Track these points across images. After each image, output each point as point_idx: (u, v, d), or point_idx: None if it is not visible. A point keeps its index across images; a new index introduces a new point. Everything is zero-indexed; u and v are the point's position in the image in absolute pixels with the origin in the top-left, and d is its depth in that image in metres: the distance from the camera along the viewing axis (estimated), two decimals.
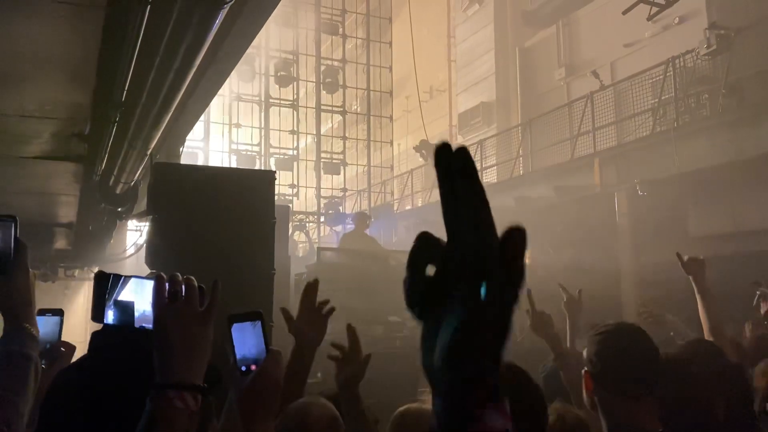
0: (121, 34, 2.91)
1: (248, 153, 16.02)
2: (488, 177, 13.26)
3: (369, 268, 7.51)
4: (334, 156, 16.45)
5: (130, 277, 1.13)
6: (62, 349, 2.11)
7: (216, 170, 5.83)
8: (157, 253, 3.63)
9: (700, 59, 8.93)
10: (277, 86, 16.00)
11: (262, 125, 16.16)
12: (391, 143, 17.07)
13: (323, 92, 16.42)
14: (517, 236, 0.49)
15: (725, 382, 1.98)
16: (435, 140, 15.91)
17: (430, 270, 0.52)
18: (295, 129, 16.28)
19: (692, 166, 7.95)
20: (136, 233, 11.18)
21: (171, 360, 1.00)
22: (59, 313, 2.11)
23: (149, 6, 2.57)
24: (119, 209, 6.11)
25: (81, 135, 4.75)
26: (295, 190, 15.94)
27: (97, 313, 1.11)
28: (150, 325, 1.05)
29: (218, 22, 2.63)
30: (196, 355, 1.03)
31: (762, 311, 3.47)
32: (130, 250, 11.05)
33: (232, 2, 2.50)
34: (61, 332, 2.10)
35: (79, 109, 4.26)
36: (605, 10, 13.17)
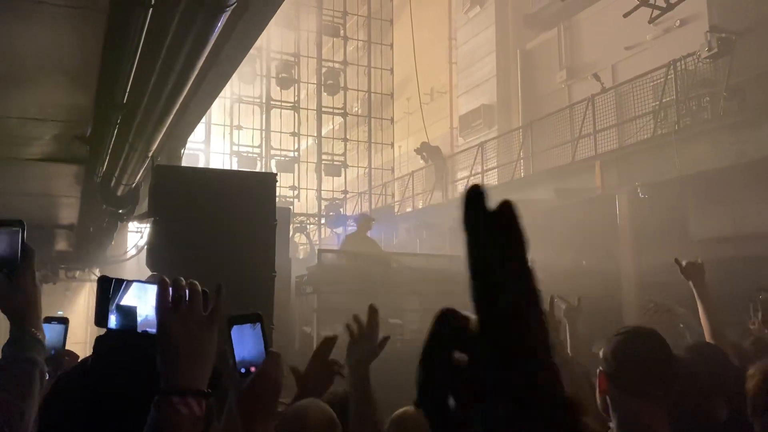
0: (123, 36, 2.92)
1: (249, 155, 16.03)
2: (489, 179, 13.26)
3: (370, 271, 7.50)
4: (335, 158, 16.45)
5: (133, 281, 1.14)
6: (66, 357, 2.11)
7: (217, 172, 5.84)
8: (158, 255, 3.64)
9: (702, 62, 8.93)
10: (278, 88, 16.03)
11: (263, 127, 16.17)
12: (392, 145, 17.07)
13: (324, 94, 16.43)
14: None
15: (727, 385, 1.99)
16: (436, 142, 15.95)
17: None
18: (296, 131, 16.29)
19: (693, 169, 7.94)
20: (137, 235, 11.19)
21: (175, 366, 1.00)
22: (64, 321, 2.12)
23: (151, 9, 2.58)
24: (120, 211, 6.12)
25: (82, 137, 4.76)
26: (295, 192, 15.95)
27: (100, 318, 1.11)
28: (153, 330, 1.05)
29: (220, 25, 2.64)
30: (201, 360, 1.02)
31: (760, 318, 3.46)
32: (131, 252, 11.05)
33: (234, 6, 2.50)
34: (66, 340, 2.11)
35: (80, 111, 4.26)
36: (606, 12, 13.17)
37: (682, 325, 2.94)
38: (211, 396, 1.03)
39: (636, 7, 8.58)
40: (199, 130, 14.33)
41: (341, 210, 15.98)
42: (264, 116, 16.20)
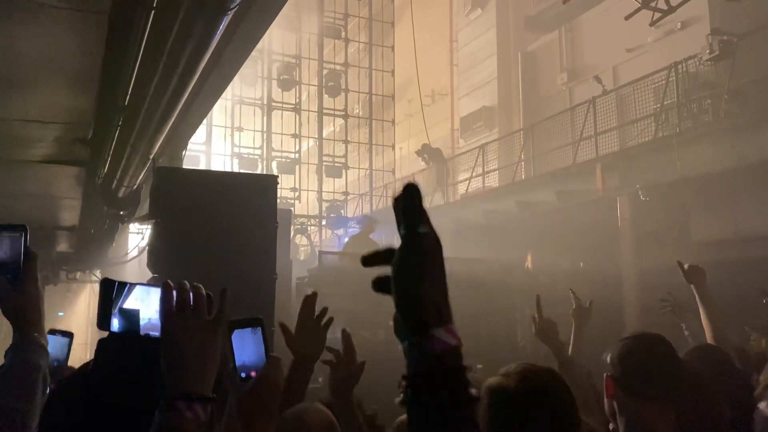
0: (125, 39, 2.92)
1: (250, 156, 16.04)
2: (490, 181, 13.25)
3: (370, 272, 7.47)
4: (336, 159, 16.46)
5: (136, 284, 1.13)
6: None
7: (218, 174, 5.84)
8: (159, 256, 3.64)
9: (703, 64, 8.92)
10: (279, 90, 16.05)
11: (265, 129, 16.19)
12: (393, 147, 17.08)
13: (325, 96, 16.44)
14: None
15: (731, 388, 1.99)
16: (437, 144, 15.95)
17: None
18: (297, 132, 16.30)
19: (694, 172, 7.93)
20: (138, 236, 11.19)
21: (180, 371, 0.99)
22: (69, 335, 2.10)
23: (153, 11, 2.58)
24: (121, 213, 6.12)
25: (84, 139, 4.76)
26: (296, 194, 15.97)
27: (103, 321, 1.10)
28: (155, 333, 1.05)
29: (222, 27, 2.64)
30: (206, 365, 1.01)
31: None
32: (133, 253, 11.05)
33: (236, 8, 2.50)
34: (69, 354, 2.09)
35: (82, 113, 4.27)
36: (608, 15, 13.16)
37: (687, 333, 2.93)
38: (215, 401, 1.03)
39: (637, 10, 8.57)
40: (201, 132, 14.33)
41: (342, 212, 15.99)
42: (265, 118, 16.22)
